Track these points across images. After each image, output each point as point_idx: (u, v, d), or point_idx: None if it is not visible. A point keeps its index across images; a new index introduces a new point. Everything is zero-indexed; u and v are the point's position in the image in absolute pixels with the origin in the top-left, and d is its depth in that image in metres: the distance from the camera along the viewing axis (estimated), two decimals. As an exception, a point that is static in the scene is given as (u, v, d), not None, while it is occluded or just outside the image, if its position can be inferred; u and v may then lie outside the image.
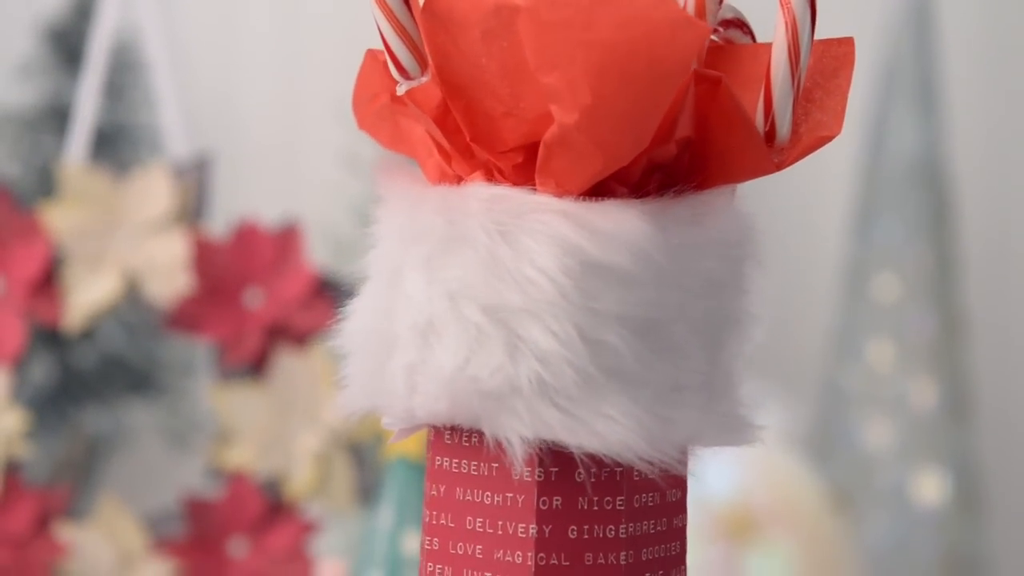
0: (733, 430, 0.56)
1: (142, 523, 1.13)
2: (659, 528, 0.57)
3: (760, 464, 1.23)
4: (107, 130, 1.51)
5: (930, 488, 1.50)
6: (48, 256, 1.11)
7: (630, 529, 0.56)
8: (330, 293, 1.13)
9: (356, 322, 0.56)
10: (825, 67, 0.57)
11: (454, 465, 0.55)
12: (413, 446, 0.85)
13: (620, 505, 0.55)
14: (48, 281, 1.12)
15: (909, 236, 1.52)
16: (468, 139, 0.54)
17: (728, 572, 1.17)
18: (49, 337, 1.46)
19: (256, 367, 1.13)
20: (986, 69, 1.78)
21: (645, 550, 0.56)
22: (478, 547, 0.55)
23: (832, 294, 1.65)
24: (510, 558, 0.55)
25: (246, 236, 1.13)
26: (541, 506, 0.55)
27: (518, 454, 0.54)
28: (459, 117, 0.54)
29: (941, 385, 1.51)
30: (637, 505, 0.56)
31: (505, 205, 0.54)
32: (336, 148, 1.40)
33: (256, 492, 1.12)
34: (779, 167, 0.57)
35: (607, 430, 0.53)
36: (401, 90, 0.54)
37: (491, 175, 0.55)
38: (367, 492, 1.13)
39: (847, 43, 0.57)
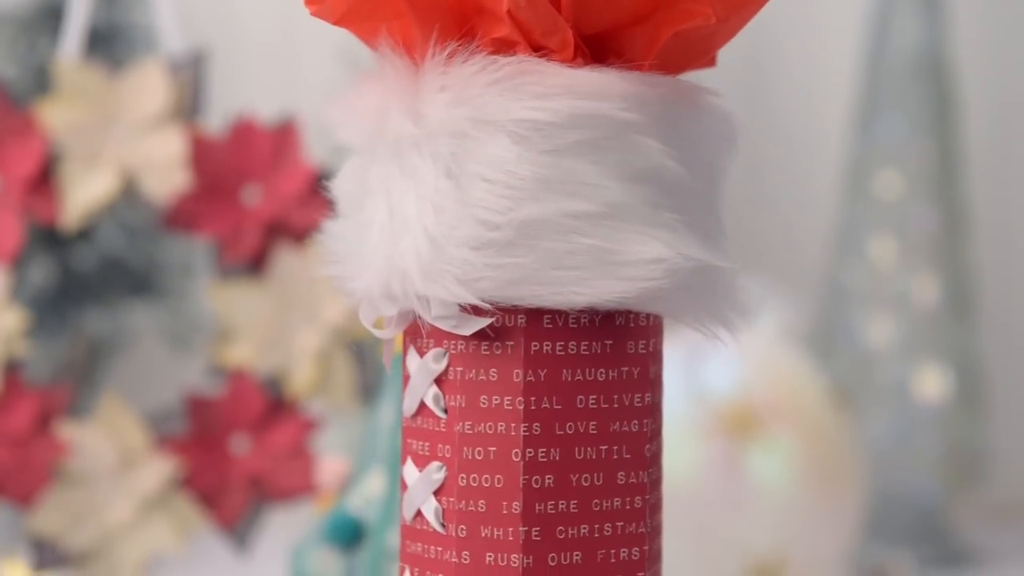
0: None
1: (143, 421, 1.13)
2: None
3: (761, 360, 1.23)
4: (102, 29, 1.50)
5: (931, 384, 1.50)
6: (44, 153, 1.11)
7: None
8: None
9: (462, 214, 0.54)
10: None
11: (558, 348, 0.56)
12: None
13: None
14: (45, 179, 1.11)
15: (912, 132, 1.51)
16: (571, 24, 0.54)
17: (729, 468, 1.17)
18: (48, 239, 1.46)
19: (255, 265, 1.12)
20: (990, -37, 1.76)
21: None
22: (592, 423, 0.56)
23: (834, 190, 1.65)
24: (627, 428, 0.57)
25: (243, 133, 1.12)
26: (651, 376, 0.58)
27: (704, 331, 0.56)
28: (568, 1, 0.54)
29: (943, 281, 1.51)
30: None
31: (666, 90, 0.55)
32: (334, 43, 1.39)
33: (257, 390, 1.12)
34: None
35: (745, 304, 0.57)
36: None
37: (589, 60, 0.55)
38: (368, 389, 1.13)
39: None
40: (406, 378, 0.58)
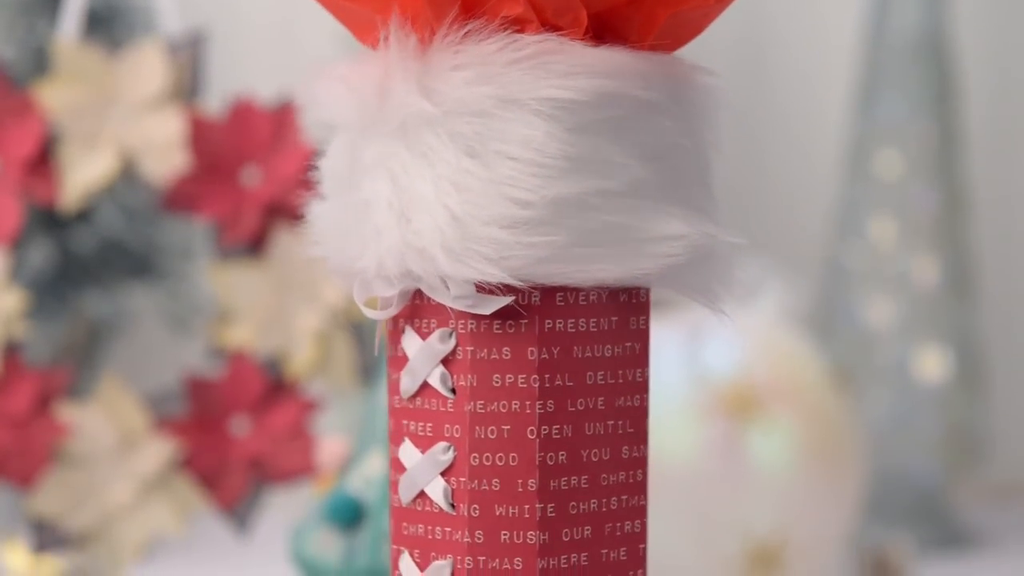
0: None
1: (143, 403, 1.13)
2: None
3: (761, 341, 1.23)
4: (100, 10, 1.50)
5: (932, 365, 1.50)
6: (43, 135, 1.10)
7: None
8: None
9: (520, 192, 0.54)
10: None
11: (569, 325, 0.56)
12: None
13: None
14: (44, 160, 1.11)
15: (912, 112, 1.51)
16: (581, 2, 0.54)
17: (729, 449, 1.17)
18: (48, 222, 1.46)
19: (254, 246, 1.12)
20: (991, -57, 1.76)
21: None
22: (600, 399, 0.57)
23: (834, 171, 1.65)
24: (629, 403, 0.58)
25: (242, 114, 1.12)
26: (647, 351, 0.59)
27: (709, 305, 0.57)
28: None
29: (943, 262, 1.51)
30: None
31: (671, 69, 0.56)
32: (332, 24, 1.38)
33: (257, 371, 1.12)
34: None
35: (745, 278, 0.59)
36: None
37: (597, 39, 0.55)
38: (368, 370, 1.13)
39: None
40: (401, 360, 0.58)
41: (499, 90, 0.53)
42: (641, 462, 0.58)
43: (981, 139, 1.70)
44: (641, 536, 0.58)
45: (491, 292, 0.55)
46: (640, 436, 0.58)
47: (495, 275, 0.54)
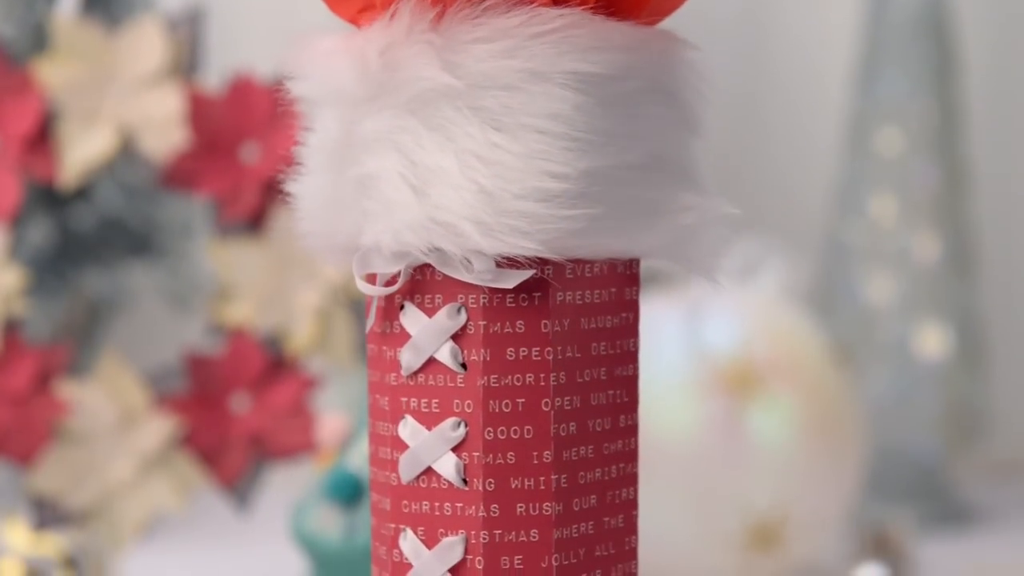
0: None
1: (143, 380, 1.13)
2: None
3: (762, 318, 1.23)
4: (99, -13, 1.49)
5: (932, 342, 1.50)
6: (42, 112, 1.10)
7: None
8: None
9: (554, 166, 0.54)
10: None
11: (577, 297, 0.57)
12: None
13: None
14: (43, 137, 1.11)
15: (913, 89, 1.50)
16: None
17: (729, 426, 1.17)
18: (47, 199, 1.46)
19: (254, 223, 1.12)
20: (992, -82, 1.75)
21: None
22: (603, 369, 0.58)
23: (835, 148, 1.64)
24: (626, 372, 0.59)
25: (241, 90, 1.12)
26: (639, 321, 0.60)
27: (707, 277, 0.58)
28: None
29: (944, 239, 1.50)
30: None
31: (671, 44, 0.56)
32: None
33: (257, 348, 1.12)
34: None
35: (740, 251, 0.61)
36: None
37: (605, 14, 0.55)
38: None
39: None
40: (399, 337, 0.57)
41: (525, 63, 0.53)
42: (634, 430, 0.59)
43: (982, 116, 1.70)
44: (634, 503, 0.59)
45: (509, 266, 0.55)
46: (633, 405, 0.59)
47: (530, 248, 0.54)
